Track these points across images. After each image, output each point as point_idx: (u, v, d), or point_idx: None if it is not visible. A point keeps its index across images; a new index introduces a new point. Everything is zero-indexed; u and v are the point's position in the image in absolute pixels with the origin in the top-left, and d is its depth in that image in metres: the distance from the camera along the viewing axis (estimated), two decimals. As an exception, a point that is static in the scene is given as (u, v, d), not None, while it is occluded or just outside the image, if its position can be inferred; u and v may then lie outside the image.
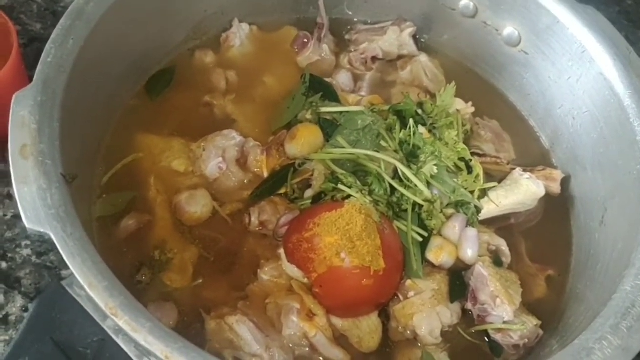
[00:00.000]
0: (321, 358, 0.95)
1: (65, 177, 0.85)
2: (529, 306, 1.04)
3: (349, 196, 1.01)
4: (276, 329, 0.95)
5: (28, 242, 1.11)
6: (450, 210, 1.08)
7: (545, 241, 1.13)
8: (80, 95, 0.97)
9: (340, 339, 0.97)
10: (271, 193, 1.08)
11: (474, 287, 1.01)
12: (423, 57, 1.31)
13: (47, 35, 0.95)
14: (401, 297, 1.00)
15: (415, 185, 1.04)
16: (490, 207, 1.11)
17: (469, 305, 1.01)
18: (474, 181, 1.10)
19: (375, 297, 0.98)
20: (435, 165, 1.06)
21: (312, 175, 1.08)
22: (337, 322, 0.97)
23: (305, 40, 1.30)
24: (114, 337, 0.79)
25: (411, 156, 1.09)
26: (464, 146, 1.11)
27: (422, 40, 1.37)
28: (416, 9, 1.34)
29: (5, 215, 1.14)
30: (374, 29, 1.34)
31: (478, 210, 1.10)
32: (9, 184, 1.14)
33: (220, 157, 1.09)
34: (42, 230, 0.78)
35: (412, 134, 1.09)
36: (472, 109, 1.22)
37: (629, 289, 0.87)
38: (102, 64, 1.05)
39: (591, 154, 1.13)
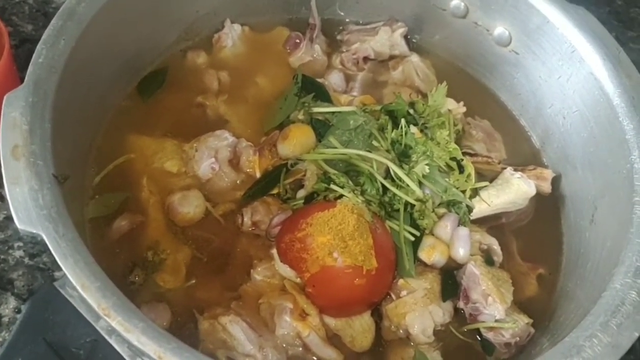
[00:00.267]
0: (314, 357, 0.95)
1: (57, 178, 0.85)
2: (520, 305, 1.04)
3: (341, 196, 1.01)
4: (269, 328, 0.95)
5: (20, 244, 1.11)
6: (442, 210, 1.08)
7: (536, 240, 1.14)
8: (71, 96, 0.97)
9: (333, 339, 0.98)
10: (264, 193, 1.08)
11: (466, 286, 1.01)
12: (414, 57, 1.32)
13: (38, 36, 0.95)
14: (393, 296, 1.00)
15: (407, 185, 1.04)
16: (482, 207, 1.12)
17: (461, 304, 1.02)
18: (466, 180, 1.10)
19: (368, 297, 0.99)
20: (427, 164, 1.06)
21: (304, 175, 1.08)
22: (330, 321, 0.98)
23: (297, 41, 1.31)
24: (106, 337, 0.79)
25: (403, 156, 1.09)
26: (456, 146, 1.12)
27: (414, 40, 1.37)
28: (407, 10, 1.34)
29: (-4, 217, 1.14)
30: (365, 29, 1.35)
31: (470, 209, 1.10)
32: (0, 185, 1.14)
33: (212, 157, 1.09)
34: (33, 231, 0.78)
35: (403, 133, 1.10)
36: (464, 109, 1.23)
37: (619, 287, 0.88)
38: (94, 64, 1.05)
39: (581, 153, 1.14)
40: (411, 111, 1.15)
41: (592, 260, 1.03)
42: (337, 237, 0.95)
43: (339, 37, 1.36)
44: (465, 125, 1.23)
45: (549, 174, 1.18)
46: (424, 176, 1.06)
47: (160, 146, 1.12)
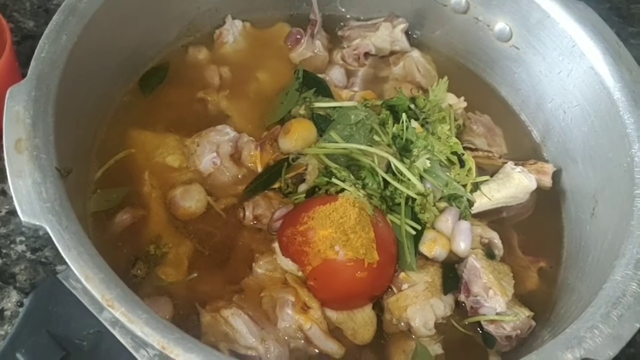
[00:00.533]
0: (316, 350, 0.96)
1: (60, 171, 0.86)
2: (521, 298, 1.05)
3: (342, 190, 1.01)
4: (271, 321, 0.96)
5: (23, 238, 1.11)
6: (443, 204, 1.09)
7: (537, 234, 1.14)
8: (73, 90, 0.97)
9: (334, 332, 0.98)
10: (265, 187, 1.09)
11: (467, 279, 1.02)
12: (415, 53, 1.32)
13: (40, 32, 0.95)
14: (395, 290, 1.01)
15: (408, 179, 1.05)
16: (483, 201, 1.12)
17: (462, 297, 1.02)
18: (467, 175, 1.11)
19: (369, 290, 0.99)
20: (428, 159, 1.07)
21: (305, 169, 1.09)
22: (332, 314, 0.98)
23: (298, 37, 1.31)
24: (110, 329, 0.79)
25: (404, 150, 1.10)
26: (457, 140, 1.12)
27: (414, 36, 1.38)
28: (408, 5, 1.35)
29: (-1, 211, 1.14)
30: (366, 25, 1.35)
31: (470, 203, 1.10)
32: (2, 180, 1.15)
33: (214, 152, 1.10)
34: (37, 223, 0.78)
35: (404, 128, 1.10)
36: (464, 104, 1.23)
37: (619, 279, 0.88)
38: (96, 60, 1.05)
39: (582, 147, 1.14)
40: (412, 106, 1.16)
41: (592, 253, 1.03)
42: (339, 230, 0.95)
43: (339, 33, 1.36)
44: (466, 120, 1.23)
45: (549, 168, 1.18)
46: (425, 170, 1.07)
47: (162, 141, 1.13)
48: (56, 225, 0.78)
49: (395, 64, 1.32)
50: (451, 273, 1.04)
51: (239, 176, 1.11)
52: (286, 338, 0.95)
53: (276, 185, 1.09)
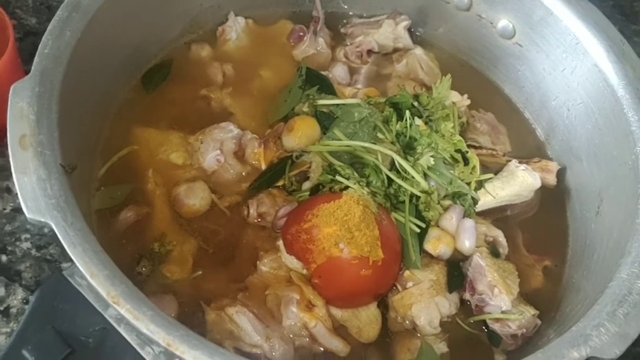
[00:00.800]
0: (321, 348, 0.96)
1: (65, 168, 0.85)
2: (527, 296, 1.04)
3: (346, 187, 1.01)
4: (276, 319, 0.95)
5: (28, 236, 1.11)
6: (447, 202, 1.09)
7: (542, 232, 1.14)
8: (77, 87, 0.97)
9: (339, 329, 0.98)
10: (269, 185, 1.09)
11: (472, 278, 1.01)
12: (418, 50, 1.32)
13: (42, 29, 0.95)
14: (400, 288, 1.01)
15: (412, 177, 1.04)
16: (487, 199, 1.12)
17: (467, 296, 1.02)
18: (471, 173, 1.11)
19: (374, 288, 0.99)
20: (431, 156, 1.06)
21: (309, 167, 1.08)
22: (337, 312, 0.98)
23: (301, 34, 1.31)
24: (115, 326, 0.79)
25: (408, 148, 1.09)
26: (460, 138, 1.12)
27: (417, 33, 1.37)
28: (411, 3, 1.34)
29: (4, 209, 1.14)
30: (369, 22, 1.35)
31: (475, 201, 1.10)
32: (7, 177, 1.14)
33: (218, 149, 1.09)
34: (42, 220, 0.78)
35: (408, 125, 1.10)
36: (468, 102, 1.23)
37: (625, 277, 0.88)
38: (99, 56, 1.05)
39: (586, 145, 1.14)
40: (415, 104, 1.16)
41: (598, 252, 1.03)
42: (343, 228, 0.95)
43: (342, 30, 1.36)
44: (470, 118, 1.23)
45: (554, 166, 1.18)
46: (429, 168, 1.06)
47: (165, 138, 1.12)
48: (61, 222, 0.78)
49: (398, 61, 1.32)
50: (456, 271, 1.03)
51: (243, 174, 1.11)
52: (291, 336, 0.95)
53: (280, 183, 1.09)
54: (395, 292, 1.01)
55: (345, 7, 1.39)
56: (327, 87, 1.21)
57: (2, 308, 1.04)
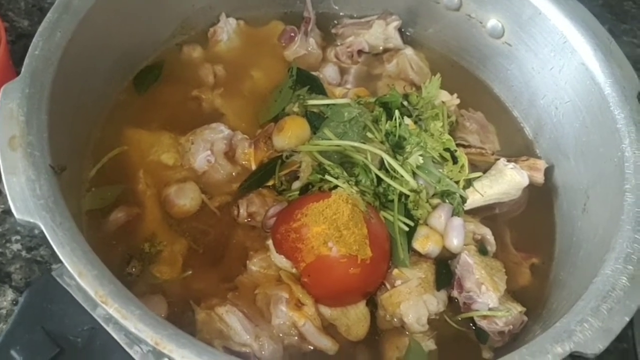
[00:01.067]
0: (310, 347, 0.96)
1: (54, 169, 0.86)
2: (514, 294, 1.05)
3: (336, 187, 1.02)
4: (265, 318, 0.96)
5: (18, 237, 1.12)
6: (436, 200, 1.09)
7: (530, 230, 1.15)
8: (68, 88, 0.97)
9: (328, 328, 0.99)
10: (259, 185, 1.09)
11: (460, 275, 1.02)
12: (408, 50, 1.33)
13: (34, 31, 0.96)
14: (388, 286, 1.01)
15: (401, 176, 1.05)
16: (475, 197, 1.12)
17: (455, 293, 1.03)
18: (459, 171, 1.11)
19: (363, 286, 1.00)
20: (420, 155, 1.07)
21: (299, 167, 1.09)
22: (326, 311, 0.99)
23: (292, 35, 1.31)
24: (104, 325, 0.80)
25: (397, 147, 1.10)
26: (449, 137, 1.13)
27: (408, 33, 1.38)
28: (401, 3, 1.35)
29: (-6, 211, 1.15)
30: (359, 22, 1.36)
31: (463, 200, 1.11)
32: (-2, 180, 1.15)
33: (208, 150, 1.10)
34: (31, 220, 0.79)
35: (397, 125, 1.11)
36: (457, 101, 1.24)
37: (610, 273, 0.89)
38: (90, 57, 1.06)
39: (574, 143, 1.15)
40: (405, 103, 1.16)
41: (584, 249, 1.04)
42: (332, 226, 0.96)
43: (333, 31, 1.37)
44: (459, 117, 1.24)
45: (541, 164, 1.19)
46: (417, 167, 1.07)
47: (156, 139, 1.13)
48: (50, 222, 0.79)
49: (388, 61, 1.33)
50: (444, 269, 1.04)
51: (233, 174, 1.11)
52: (280, 335, 0.96)
53: (270, 183, 1.10)
54: (383, 290, 1.01)
55: (336, 7, 1.40)
56: (317, 88, 1.21)
57: (-8, 309, 1.05)
